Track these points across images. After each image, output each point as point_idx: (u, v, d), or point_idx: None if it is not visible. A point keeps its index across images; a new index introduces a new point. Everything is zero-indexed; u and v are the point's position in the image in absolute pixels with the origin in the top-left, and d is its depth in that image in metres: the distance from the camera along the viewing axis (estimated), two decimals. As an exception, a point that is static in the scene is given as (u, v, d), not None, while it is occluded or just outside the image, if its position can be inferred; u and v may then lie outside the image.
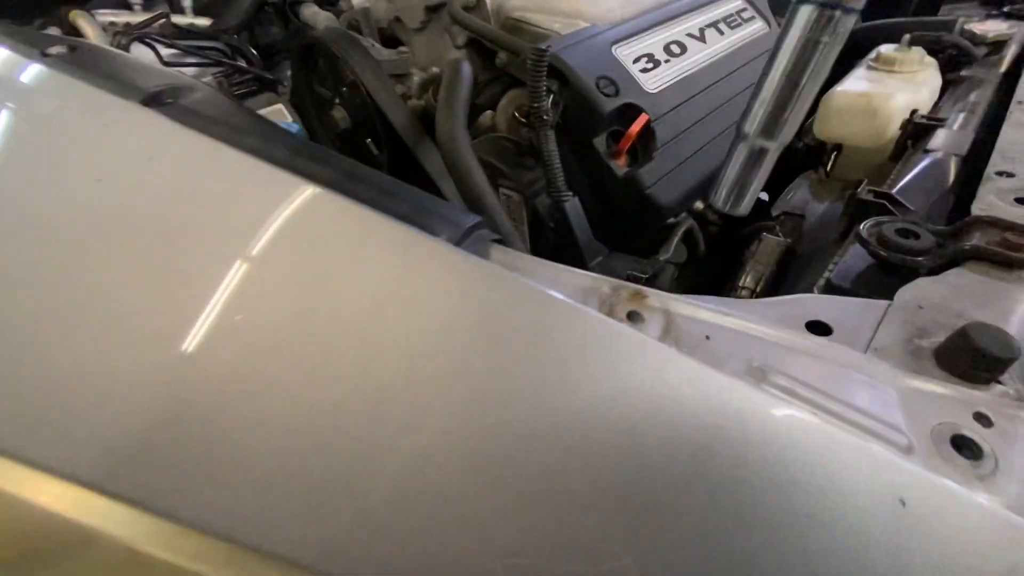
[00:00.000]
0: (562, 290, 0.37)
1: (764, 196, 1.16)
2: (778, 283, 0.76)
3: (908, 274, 0.53)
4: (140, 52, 0.83)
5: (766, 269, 0.76)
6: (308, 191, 0.34)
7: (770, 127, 0.33)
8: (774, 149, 0.33)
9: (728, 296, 0.78)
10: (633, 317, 0.34)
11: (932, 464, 0.31)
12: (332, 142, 1.03)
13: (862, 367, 0.37)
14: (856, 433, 0.30)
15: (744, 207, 0.62)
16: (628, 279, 0.76)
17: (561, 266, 0.37)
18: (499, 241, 0.38)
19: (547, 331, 0.29)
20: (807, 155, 1.09)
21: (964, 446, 0.32)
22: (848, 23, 0.28)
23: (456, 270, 0.31)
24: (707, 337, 0.33)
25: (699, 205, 1.05)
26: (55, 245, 0.35)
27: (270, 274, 0.33)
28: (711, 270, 0.96)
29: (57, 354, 0.34)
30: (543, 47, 0.66)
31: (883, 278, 0.55)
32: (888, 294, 0.52)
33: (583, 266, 0.75)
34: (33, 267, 0.36)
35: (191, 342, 0.34)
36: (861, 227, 0.59)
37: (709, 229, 1.07)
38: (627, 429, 0.27)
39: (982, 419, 0.34)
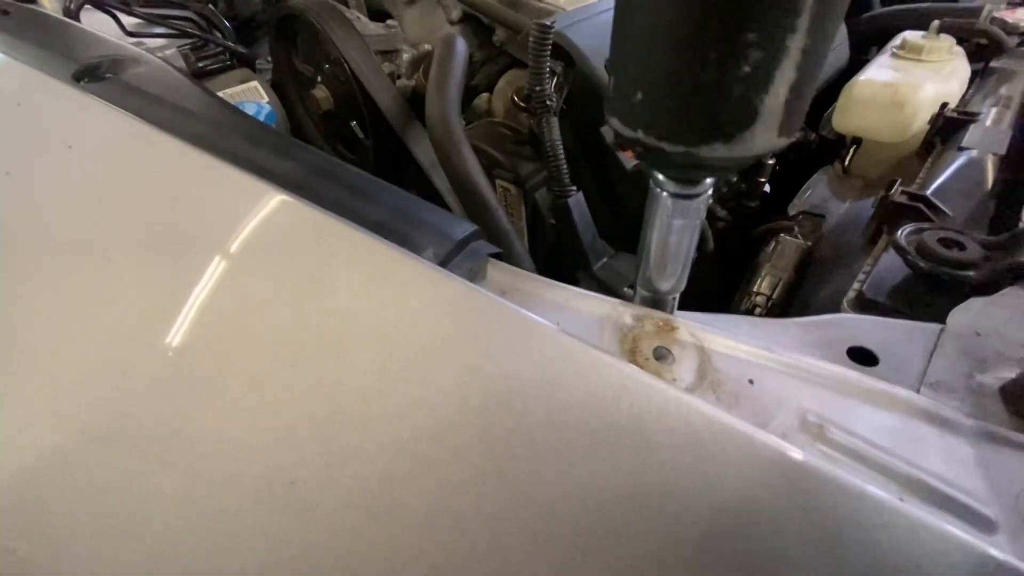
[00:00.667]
0: (575, 320, 0.30)
1: (771, 162, 1.09)
2: (795, 289, 0.70)
3: (952, 289, 0.47)
4: (97, 20, 0.75)
5: (783, 274, 0.70)
6: (264, 193, 0.28)
7: (650, 285, 0.31)
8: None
9: (743, 302, 0.72)
10: (661, 355, 0.28)
11: (1020, 543, 0.26)
12: (314, 124, 0.95)
13: (926, 412, 0.31)
14: (935, 511, 0.25)
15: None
16: (632, 285, 0.70)
17: (572, 288, 0.31)
18: (498, 255, 0.32)
19: (555, 384, 0.23)
20: (821, 148, 1.03)
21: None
22: (700, 204, 0.29)
23: (437, 300, 0.24)
24: (750, 381, 0.28)
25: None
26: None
27: (209, 299, 0.26)
28: (721, 268, 0.90)
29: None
30: (547, 23, 0.59)
31: (924, 293, 0.49)
32: (931, 311, 0.46)
33: (587, 267, 0.69)
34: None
35: (119, 365, 0.28)
36: (899, 234, 0.53)
37: (717, 225, 1.01)
38: (670, 520, 0.21)
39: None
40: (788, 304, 0.69)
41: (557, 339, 0.24)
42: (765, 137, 0.22)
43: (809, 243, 0.71)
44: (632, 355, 0.27)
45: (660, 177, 0.28)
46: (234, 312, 0.27)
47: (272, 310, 0.27)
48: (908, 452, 0.27)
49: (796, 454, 0.23)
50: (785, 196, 0.92)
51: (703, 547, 0.22)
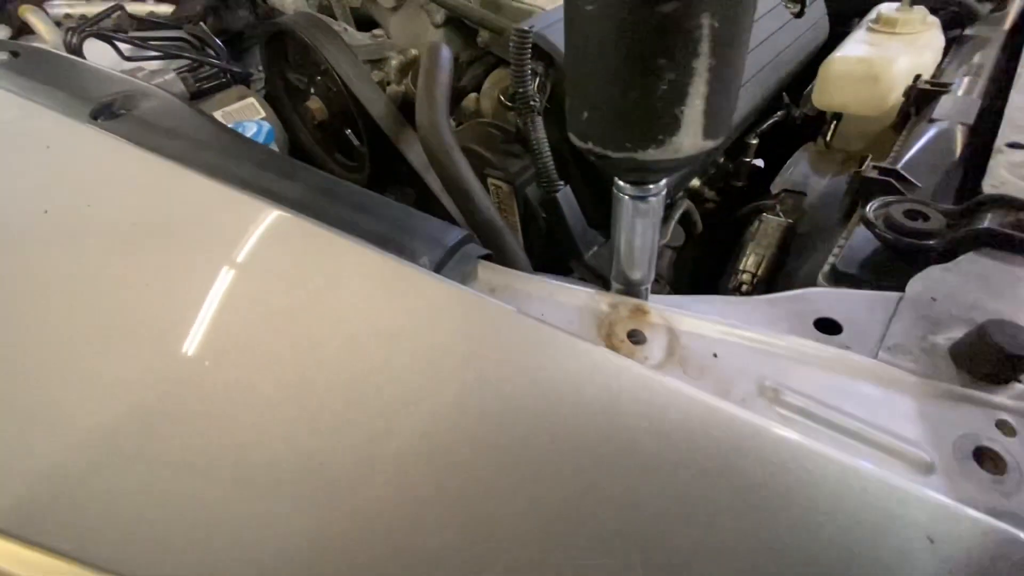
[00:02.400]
0: (557, 310, 0.34)
1: (759, 163, 1.12)
2: (780, 265, 0.74)
3: (918, 258, 0.51)
4: (96, 49, 0.78)
5: (767, 251, 0.73)
6: (274, 215, 0.31)
7: (623, 277, 0.35)
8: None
9: (730, 280, 0.76)
10: (635, 336, 0.31)
11: (955, 484, 0.29)
12: (310, 134, 0.99)
13: (876, 374, 0.35)
14: (877, 456, 0.28)
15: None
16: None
17: (554, 282, 0.34)
18: (489, 256, 0.36)
19: (537, 367, 0.27)
20: (805, 125, 1.05)
21: (987, 459, 0.31)
22: (656, 204, 0.33)
23: (433, 302, 0.28)
24: (715, 355, 0.31)
25: (695, 182, 1.02)
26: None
27: (233, 313, 0.30)
28: (711, 249, 0.94)
29: None
30: (526, 28, 0.62)
31: (892, 263, 0.52)
32: (898, 280, 0.50)
33: (579, 257, 0.72)
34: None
35: (153, 382, 0.32)
36: (867, 208, 0.56)
37: (706, 206, 1.04)
38: (630, 471, 0.25)
39: (1005, 427, 0.32)
40: (773, 280, 0.73)
41: (539, 330, 0.28)
42: (691, 141, 0.27)
43: (791, 220, 0.74)
44: (608, 339, 0.31)
45: (620, 183, 0.32)
46: (258, 320, 0.31)
47: (291, 317, 0.31)
48: (856, 409, 0.31)
49: (746, 415, 0.26)
50: (773, 174, 0.95)
51: (663, 509, 0.26)
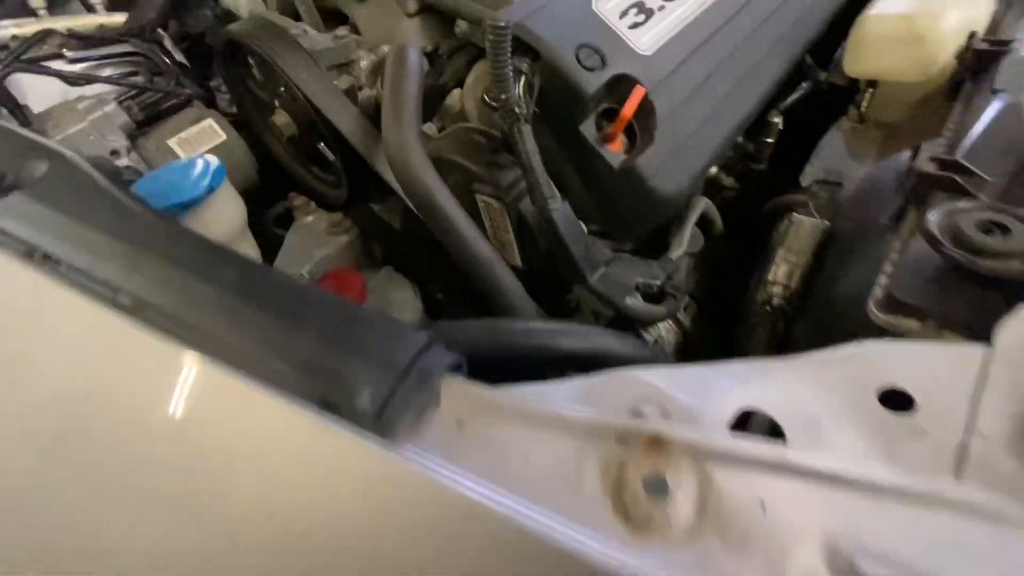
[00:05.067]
0: (547, 453, 0.26)
1: (778, 120, 0.96)
2: (815, 274, 0.64)
3: (1002, 286, 0.41)
4: (28, 81, 0.70)
5: (800, 259, 0.64)
6: (183, 361, 0.24)
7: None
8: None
9: (759, 292, 0.66)
10: (655, 489, 0.23)
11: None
12: (284, 149, 0.90)
13: (983, 509, 0.26)
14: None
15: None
16: (638, 289, 0.64)
17: (543, 405, 0.26)
18: (459, 366, 0.27)
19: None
20: (832, 95, 0.93)
21: None
22: None
23: (353, 484, 0.20)
24: (763, 507, 0.23)
25: (712, 170, 0.91)
26: None
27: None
28: (734, 248, 0.84)
29: None
30: (502, 23, 0.51)
31: (966, 292, 0.43)
32: (977, 315, 0.40)
33: (583, 281, 0.64)
34: None
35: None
36: (929, 220, 0.46)
37: (724, 195, 0.93)
38: None
39: None
40: (807, 292, 0.63)
41: (505, 526, 0.20)
42: None
43: (827, 222, 0.64)
44: (618, 495, 0.23)
45: None
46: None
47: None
48: (958, 569, 0.23)
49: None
50: (796, 155, 0.84)
51: None
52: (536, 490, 0.21)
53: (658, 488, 0.23)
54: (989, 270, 0.41)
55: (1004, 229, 0.43)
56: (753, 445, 0.24)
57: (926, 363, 0.35)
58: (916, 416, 0.32)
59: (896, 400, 0.33)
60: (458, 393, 0.27)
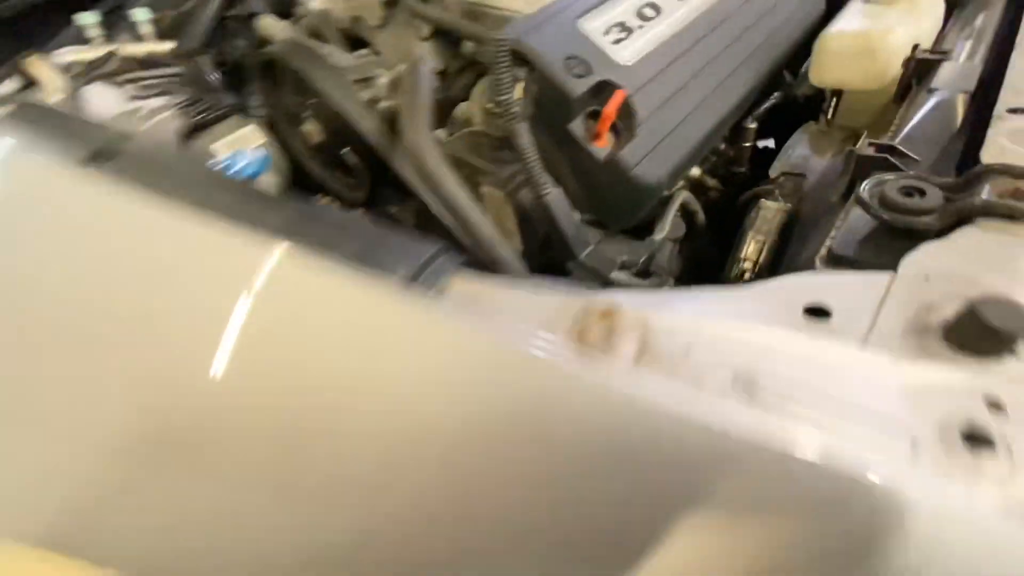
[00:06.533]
0: (533, 315, 0.34)
1: (770, 143, 1.09)
2: (782, 251, 0.72)
3: (917, 236, 0.49)
4: (99, 93, 0.82)
5: (767, 238, 0.72)
6: (265, 243, 0.32)
7: None
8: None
9: (731, 270, 0.75)
10: (607, 338, 0.31)
11: (940, 466, 0.29)
12: (311, 155, 1.01)
13: (861, 359, 0.34)
14: (857, 438, 0.28)
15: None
16: (622, 267, 0.73)
17: (527, 291, 0.35)
18: (468, 263, 0.36)
19: (496, 384, 0.27)
20: (807, 105, 1.03)
21: (976, 438, 0.30)
22: None
23: (402, 318, 0.29)
24: (688, 350, 0.31)
25: (695, 171, 1.00)
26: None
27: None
28: (716, 239, 0.92)
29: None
30: (502, 39, 0.62)
31: (889, 243, 0.51)
32: (895, 260, 0.48)
33: (574, 258, 0.72)
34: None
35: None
36: (862, 188, 0.54)
37: (708, 195, 1.02)
38: (598, 474, 0.25)
39: (994, 405, 0.31)
40: (775, 266, 0.71)
41: (499, 347, 0.28)
42: None
43: (789, 205, 0.73)
44: (581, 340, 0.31)
45: None
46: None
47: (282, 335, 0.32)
48: (837, 392, 0.31)
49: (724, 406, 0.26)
50: (773, 157, 0.93)
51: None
52: (525, 334, 0.29)
53: (610, 338, 0.31)
54: (906, 224, 0.49)
55: (921, 192, 0.51)
56: (686, 314, 0.33)
57: (844, 286, 0.43)
58: (831, 323, 0.40)
59: (818, 312, 0.41)
60: (465, 286, 0.35)
